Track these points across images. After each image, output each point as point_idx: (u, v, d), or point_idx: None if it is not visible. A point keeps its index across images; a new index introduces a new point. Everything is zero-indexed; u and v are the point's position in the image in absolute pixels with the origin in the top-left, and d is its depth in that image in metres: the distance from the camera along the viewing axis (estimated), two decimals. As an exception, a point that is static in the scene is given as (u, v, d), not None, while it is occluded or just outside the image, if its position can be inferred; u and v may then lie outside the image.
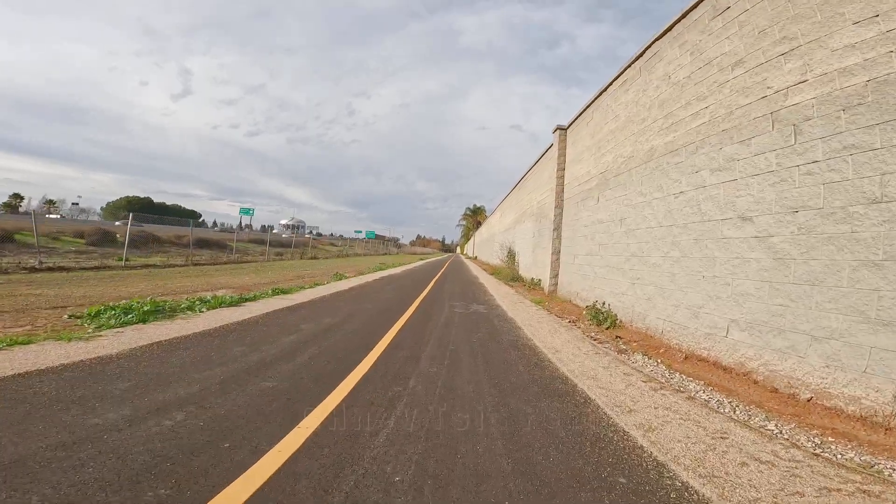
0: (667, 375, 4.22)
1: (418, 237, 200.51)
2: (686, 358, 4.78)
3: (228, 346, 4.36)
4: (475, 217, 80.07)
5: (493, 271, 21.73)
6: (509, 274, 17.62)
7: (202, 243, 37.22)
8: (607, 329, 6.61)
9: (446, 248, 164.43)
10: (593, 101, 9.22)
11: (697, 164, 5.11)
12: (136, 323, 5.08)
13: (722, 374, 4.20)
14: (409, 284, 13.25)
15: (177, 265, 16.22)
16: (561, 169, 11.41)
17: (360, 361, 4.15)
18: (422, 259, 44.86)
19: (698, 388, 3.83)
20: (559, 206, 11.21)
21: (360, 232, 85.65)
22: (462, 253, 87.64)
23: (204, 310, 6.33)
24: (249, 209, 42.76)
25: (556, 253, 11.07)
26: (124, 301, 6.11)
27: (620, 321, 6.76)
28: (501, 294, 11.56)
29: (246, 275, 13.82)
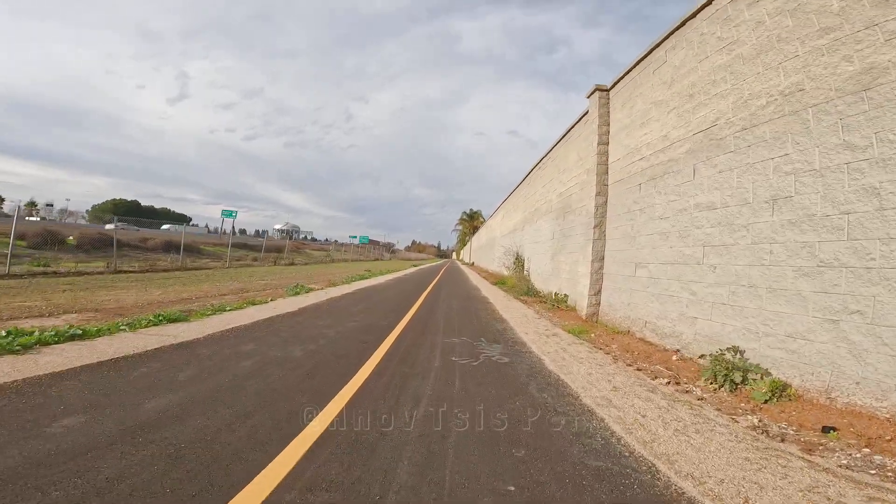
0: None
1: (413, 243, 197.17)
2: None
3: None
4: (472, 222, 76.86)
5: (497, 280, 18.37)
6: (518, 285, 14.25)
7: (171, 247, 33.85)
8: (764, 404, 3.29)
9: (442, 254, 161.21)
10: (672, 34, 5.93)
11: None
12: None
13: None
14: (389, 302, 9.84)
15: (94, 273, 12.70)
16: (602, 143, 8.11)
17: None
18: (414, 266, 41.41)
19: None
20: (601, 192, 7.89)
21: (355, 237, 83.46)
22: (458, 259, 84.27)
23: None
24: (232, 211, 39.55)
25: (599, 260, 7.74)
26: None
27: (794, 390, 3.41)
28: (518, 317, 8.19)
29: (171, 286, 10.34)
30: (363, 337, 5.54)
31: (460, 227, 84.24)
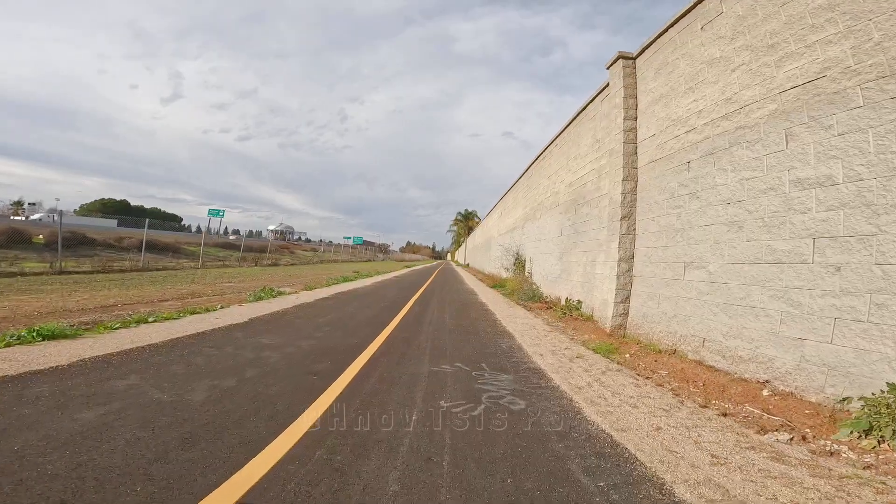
0: None
1: (408, 244, 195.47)
2: None
3: None
4: (466, 223, 75.38)
5: (495, 283, 16.82)
6: (521, 289, 12.69)
7: (149, 246, 32.02)
8: None
9: (437, 256, 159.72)
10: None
11: None
12: None
13: None
14: (368, 310, 8.24)
15: (32, 274, 10.96)
16: (629, 119, 6.59)
17: None
18: (407, 267, 39.76)
19: None
20: (629, 177, 6.36)
21: (350, 238, 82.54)
22: (453, 260, 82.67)
23: None
24: (219, 211, 37.99)
25: (627, 260, 6.20)
26: None
27: None
28: (524, 329, 6.62)
29: (108, 290, 8.66)
30: (316, 365, 3.93)
31: (455, 228, 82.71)
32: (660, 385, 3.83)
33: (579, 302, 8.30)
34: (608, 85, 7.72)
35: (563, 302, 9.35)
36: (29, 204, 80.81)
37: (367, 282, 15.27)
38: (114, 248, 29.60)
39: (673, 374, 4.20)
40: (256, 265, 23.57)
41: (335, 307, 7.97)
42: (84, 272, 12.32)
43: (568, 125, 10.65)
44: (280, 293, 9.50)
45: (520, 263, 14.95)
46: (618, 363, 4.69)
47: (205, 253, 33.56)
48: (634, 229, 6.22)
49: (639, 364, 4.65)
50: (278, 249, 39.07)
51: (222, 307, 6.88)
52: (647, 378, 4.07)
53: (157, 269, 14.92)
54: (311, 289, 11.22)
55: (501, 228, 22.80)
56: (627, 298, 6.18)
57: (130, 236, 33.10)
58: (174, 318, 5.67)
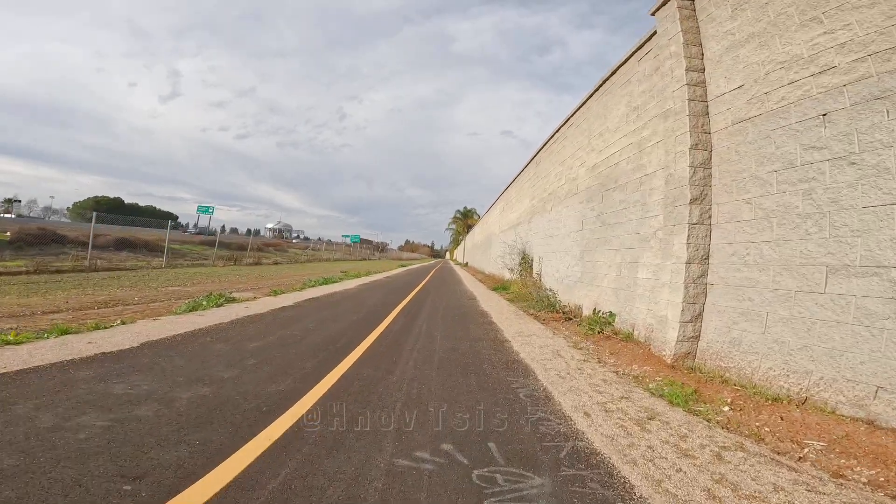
0: None
1: (406, 242, 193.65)
2: None
3: None
4: (465, 221, 73.42)
5: (497, 285, 14.90)
6: (528, 293, 10.76)
7: (126, 244, 30.11)
8: None
9: (435, 254, 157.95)
10: None
11: None
12: None
13: None
14: (334, 324, 6.30)
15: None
16: (693, 71, 4.68)
17: None
18: (402, 266, 37.79)
19: None
20: (700, 145, 4.43)
21: (348, 237, 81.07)
22: (452, 259, 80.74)
23: None
24: (208, 207, 36.17)
25: (700, 261, 4.26)
26: None
27: None
28: (546, 357, 4.70)
29: (13, 295, 6.72)
30: (123, 485, 1.97)
31: (454, 227, 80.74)
32: (839, 485, 1.90)
33: (611, 315, 6.37)
34: (651, 37, 5.85)
35: (586, 312, 7.43)
36: (15, 201, 78.54)
37: (352, 284, 13.31)
38: (86, 246, 27.64)
39: (844, 450, 2.28)
40: (235, 264, 21.58)
41: (289, 321, 6.03)
42: (11, 273, 10.35)
43: (588, 98, 8.71)
44: (231, 300, 7.55)
45: (526, 263, 13.02)
46: (723, 426, 2.80)
47: (188, 251, 31.63)
48: (710, 217, 4.29)
49: (758, 426, 2.77)
50: (264, 247, 37.07)
51: (122, 323, 4.92)
52: (801, 459, 2.16)
53: (107, 270, 12.95)
54: (277, 293, 9.27)
55: (503, 224, 20.85)
56: (699, 316, 4.24)
57: (107, 234, 31.13)
58: (30, 342, 3.73)
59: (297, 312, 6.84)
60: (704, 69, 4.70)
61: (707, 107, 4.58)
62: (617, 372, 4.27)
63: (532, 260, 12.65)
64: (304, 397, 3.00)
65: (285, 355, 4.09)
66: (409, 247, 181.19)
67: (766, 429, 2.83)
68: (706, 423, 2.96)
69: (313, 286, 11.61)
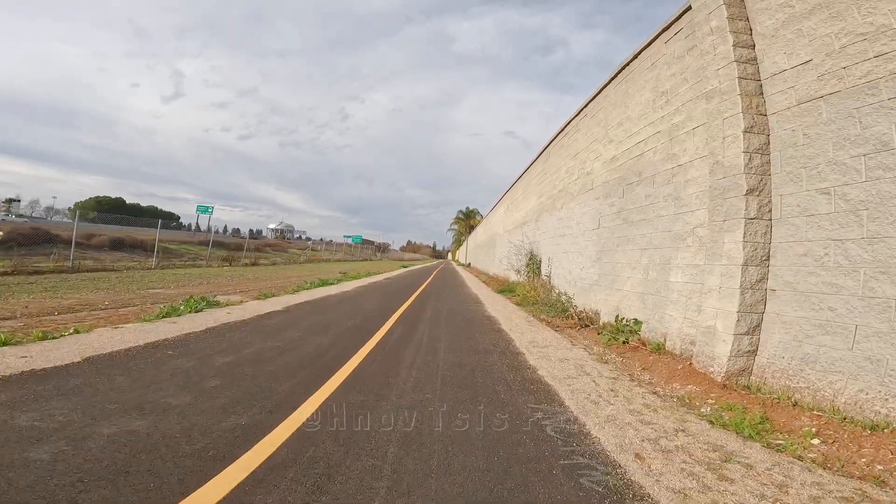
0: None
1: (408, 243, 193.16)
2: None
3: None
4: (468, 221, 72.66)
5: (502, 287, 14.20)
6: (536, 296, 10.06)
7: (121, 244, 29.65)
8: None
9: (437, 255, 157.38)
10: None
11: None
12: None
13: None
14: (322, 336, 5.62)
15: None
16: (742, 46, 3.98)
17: None
18: (404, 267, 37.09)
19: None
20: (755, 128, 3.73)
21: (350, 237, 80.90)
22: (454, 259, 79.98)
23: None
24: (208, 207, 36.01)
25: (758, 263, 3.54)
26: None
27: None
28: (570, 377, 3.99)
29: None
30: None
31: (456, 227, 79.98)
32: None
33: (636, 322, 5.66)
34: (680, 17, 5.21)
35: (604, 318, 6.72)
36: (14, 201, 78.16)
37: (349, 286, 12.61)
38: (81, 247, 27.13)
39: None
40: (230, 265, 20.92)
41: (273, 329, 5.33)
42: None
43: (605, 86, 8.02)
44: (214, 304, 6.87)
45: (534, 264, 12.31)
46: (822, 466, 2.12)
47: (186, 251, 31.02)
48: (770, 211, 3.57)
49: (866, 464, 2.10)
50: (262, 247, 36.46)
51: (76, 332, 4.23)
52: None
53: (92, 270, 12.29)
54: (267, 297, 8.59)
55: (509, 224, 20.14)
56: (757, 327, 3.53)
57: (102, 234, 30.62)
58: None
59: (284, 319, 6.14)
60: (754, 45, 4.02)
61: (760, 86, 3.88)
62: (657, 393, 3.56)
63: (540, 261, 11.94)
64: (270, 435, 2.30)
65: (258, 374, 3.39)
66: (410, 247, 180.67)
67: (879, 467, 2.14)
68: (799, 462, 2.27)
69: (308, 288, 10.93)
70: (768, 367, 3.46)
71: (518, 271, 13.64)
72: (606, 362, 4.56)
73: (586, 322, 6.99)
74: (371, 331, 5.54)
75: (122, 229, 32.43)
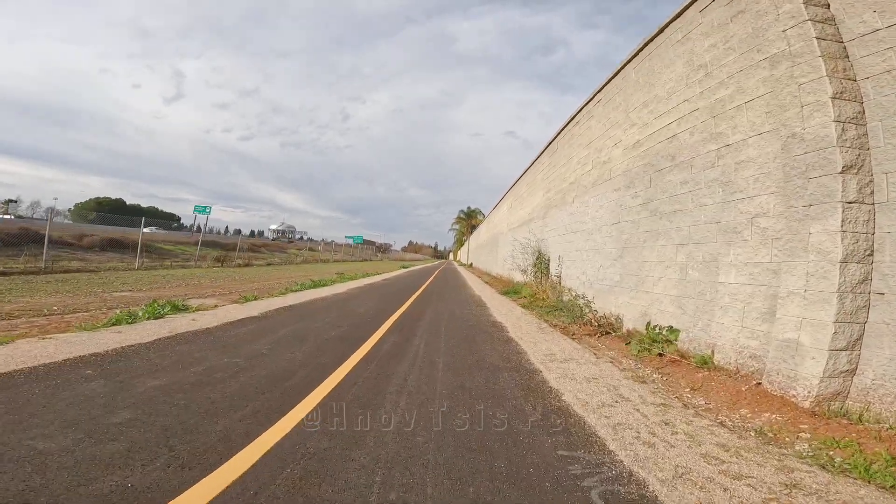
0: None
1: (410, 243, 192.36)
2: None
3: None
4: (469, 221, 71.79)
5: (506, 289, 13.33)
6: (545, 298, 9.20)
7: (114, 244, 29.08)
8: None
9: (438, 255, 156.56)
10: None
11: None
12: None
13: None
14: (307, 344, 4.75)
15: None
16: (817, 5, 3.10)
17: None
18: (404, 267, 36.22)
19: None
20: (844, 94, 2.88)
21: (351, 238, 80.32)
22: (455, 259, 79.05)
23: None
24: (205, 207, 35.13)
25: (861, 260, 2.66)
26: None
27: None
28: (603, 404, 3.13)
29: None
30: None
31: (457, 227, 79.10)
32: None
33: (671, 330, 4.78)
34: None
35: (629, 325, 5.85)
36: (12, 202, 77.41)
37: (342, 287, 11.75)
38: (72, 247, 26.43)
39: None
40: (223, 265, 20.08)
41: (238, 341, 4.47)
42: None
43: (624, 66, 7.15)
44: (182, 309, 6.03)
45: (541, 264, 11.43)
46: None
47: (180, 251, 30.24)
48: (872, 194, 2.70)
49: None
50: (258, 247, 35.69)
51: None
52: None
53: (66, 272, 11.44)
54: (248, 300, 7.73)
55: (513, 222, 19.25)
56: (858, 340, 2.66)
57: (93, 234, 29.93)
58: None
59: (256, 327, 5.27)
60: (829, 4, 3.16)
61: (844, 48, 3.02)
62: (724, 424, 2.71)
63: (549, 260, 11.07)
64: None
65: (190, 405, 2.52)
66: (412, 248, 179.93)
67: None
68: None
69: (298, 290, 10.07)
70: (872, 389, 2.59)
71: (524, 271, 12.77)
72: (644, 381, 3.69)
73: (607, 329, 6.11)
74: (357, 342, 4.67)
75: (120, 230, 31.76)
